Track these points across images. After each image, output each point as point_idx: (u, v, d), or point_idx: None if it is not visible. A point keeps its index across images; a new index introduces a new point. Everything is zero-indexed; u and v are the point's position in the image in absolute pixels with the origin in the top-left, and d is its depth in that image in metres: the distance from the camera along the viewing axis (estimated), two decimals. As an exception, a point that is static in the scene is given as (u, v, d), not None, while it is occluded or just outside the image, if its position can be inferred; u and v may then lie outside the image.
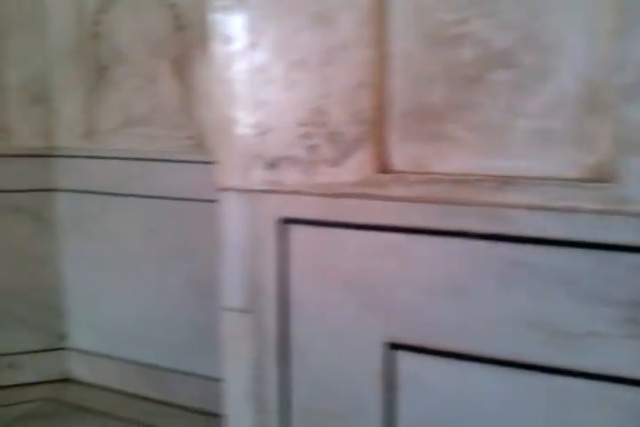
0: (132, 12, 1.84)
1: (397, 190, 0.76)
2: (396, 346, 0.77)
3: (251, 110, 0.83)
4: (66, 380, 2.07)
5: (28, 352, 2.02)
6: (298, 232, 0.82)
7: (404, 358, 0.77)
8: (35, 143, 1.94)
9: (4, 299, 1.96)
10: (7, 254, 1.95)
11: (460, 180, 0.74)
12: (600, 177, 0.69)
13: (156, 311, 1.91)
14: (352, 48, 0.77)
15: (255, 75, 0.83)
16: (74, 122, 1.93)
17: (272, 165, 0.82)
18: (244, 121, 0.83)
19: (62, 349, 2.06)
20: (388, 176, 0.77)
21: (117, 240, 1.94)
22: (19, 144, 1.92)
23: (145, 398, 1.96)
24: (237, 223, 0.84)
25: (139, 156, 1.86)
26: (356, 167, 0.78)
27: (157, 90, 1.83)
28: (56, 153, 1.95)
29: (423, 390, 0.77)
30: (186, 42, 1.78)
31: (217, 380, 1.83)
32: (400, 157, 0.77)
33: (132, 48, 1.85)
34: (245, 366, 0.85)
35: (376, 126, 0.77)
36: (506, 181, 0.72)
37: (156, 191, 1.85)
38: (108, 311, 1.99)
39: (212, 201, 1.79)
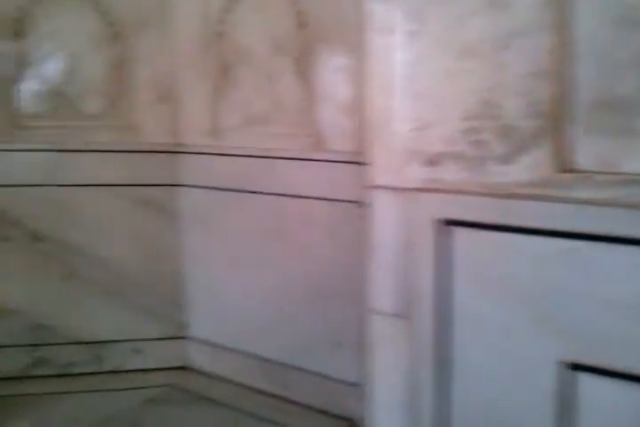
0: (255, 11, 1.82)
1: (582, 192, 0.66)
2: (576, 366, 0.67)
3: (410, 104, 0.76)
4: (185, 368, 2.09)
5: (151, 339, 2.06)
6: (460, 235, 0.73)
7: (586, 381, 0.67)
8: (162, 140, 1.96)
9: (132, 287, 2.01)
10: (137, 246, 2.00)
11: (660, 181, 0.63)
12: None
13: (276, 308, 1.89)
14: (530, 33, 0.68)
15: (416, 66, 0.75)
16: (199, 120, 1.94)
17: (432, 161, 0.75)
18: (402, 115, 0.76)
19: (183, 338, 2.08)
20: (570, 176, 0.67)
21: (239, 235, 1.93)
22: (147, 141, 1.95)
23: (262, 392, 1.94)
24: (390, 223, 0.77)
25: (260, 153, 1.84)
26: (531, 165, 0.69)
27: (278, 88, 1.80)
28: (182, 150, 1.97)
29: (606, 418, 0.67)
30: (308, 39, 1.73)
31: (334, 379, 1.80)
32: (585, 154, 0.67)
33: (254, 46, 1.83)
34: (396, 374, 0.78)
35: (556, 119, 0.68)
36: None
37: (277, 189, 1.82)
38: (229, 304, 1.99)
39: (331, 199, 1.75)
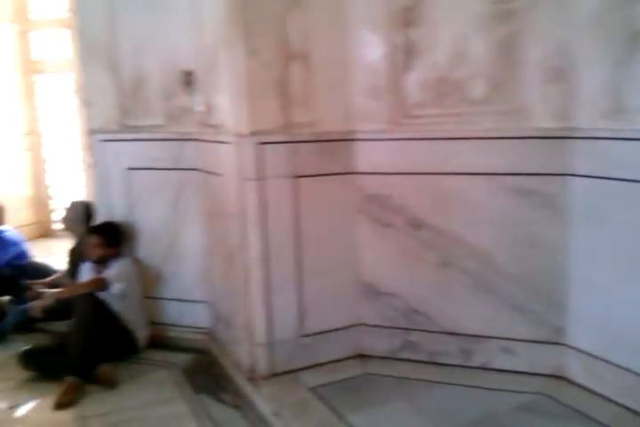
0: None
1: None
2: None
3: None
4: (559, 377, 1.79)
5: (522, 340, 1.82)
6: None
7: None
8: (550, 124, 1.68)
9: (506, 282, 1.80)
10: (515, 239, 1.78)
11: None
12: None
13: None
14: None
15: None
16: (596, 99, 1.60)
17: None
18: None
19: (558, 344, 1.78)
20: None
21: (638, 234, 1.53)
22: (533, 125, 1.69)
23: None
24: None
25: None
26: None
27: None
28: (573, 135, 1.66)
29: None
30: None
31: None
32: None
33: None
34: None
35: None
36: None
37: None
38: (616, 312, 1.63)
39: None
